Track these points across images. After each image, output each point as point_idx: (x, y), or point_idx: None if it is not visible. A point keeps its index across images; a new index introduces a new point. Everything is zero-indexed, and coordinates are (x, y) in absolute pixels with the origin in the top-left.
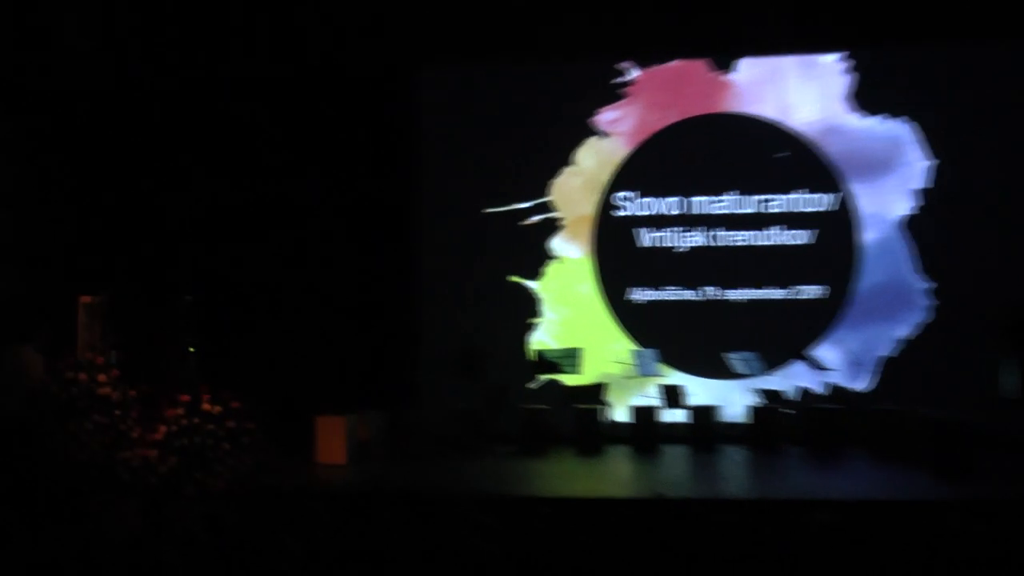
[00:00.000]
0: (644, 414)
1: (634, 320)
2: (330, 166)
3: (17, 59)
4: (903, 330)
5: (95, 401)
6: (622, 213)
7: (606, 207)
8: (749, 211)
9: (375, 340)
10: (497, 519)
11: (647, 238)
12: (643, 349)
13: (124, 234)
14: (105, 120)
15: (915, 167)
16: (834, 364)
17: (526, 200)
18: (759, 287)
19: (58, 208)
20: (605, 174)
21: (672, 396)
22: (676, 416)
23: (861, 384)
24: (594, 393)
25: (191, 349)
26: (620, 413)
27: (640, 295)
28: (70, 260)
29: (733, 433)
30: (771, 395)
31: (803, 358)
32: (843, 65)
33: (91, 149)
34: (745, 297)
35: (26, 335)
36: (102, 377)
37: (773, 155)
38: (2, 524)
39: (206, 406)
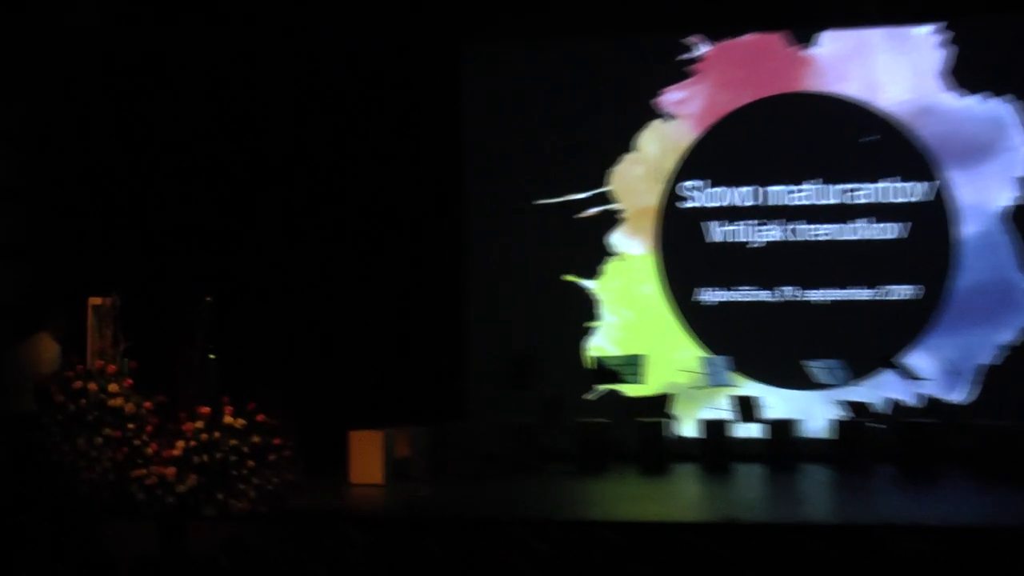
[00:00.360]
0: (714, 429)
1: (703, 324)
2: (367, 158)
3: (26, 42)
4: (1006, 335)
5: (106, 413)
6: (689, 204)
7: (671, 198)
8: (832, 202)
9: (416, 347)
10: (551, 545)
11: (717, 232)
12: (713, 356)
13: (139, 230)
14: (122, 107)
15: (1020, 152)
16: (928, 373)
17: (582, 191)
18: (844, 287)
19: (67, 202)
20: (670, 161)
21: (746, 409)
22: (750, 431)
23: (959, 395)
24: (659, 405)
25: (212, 356)
26: (688, 427)
27: (710, 296)
28: (79, 258)
29: (815, 450)
30: (857, 408)
31: (893, 366)
32: (938, 38)
33: (104, 138)
34: (828, 298)
35: (41, 323)
36: (114, 387)
37: (859, 139)
38: (5, 549)
39: (228, 419)
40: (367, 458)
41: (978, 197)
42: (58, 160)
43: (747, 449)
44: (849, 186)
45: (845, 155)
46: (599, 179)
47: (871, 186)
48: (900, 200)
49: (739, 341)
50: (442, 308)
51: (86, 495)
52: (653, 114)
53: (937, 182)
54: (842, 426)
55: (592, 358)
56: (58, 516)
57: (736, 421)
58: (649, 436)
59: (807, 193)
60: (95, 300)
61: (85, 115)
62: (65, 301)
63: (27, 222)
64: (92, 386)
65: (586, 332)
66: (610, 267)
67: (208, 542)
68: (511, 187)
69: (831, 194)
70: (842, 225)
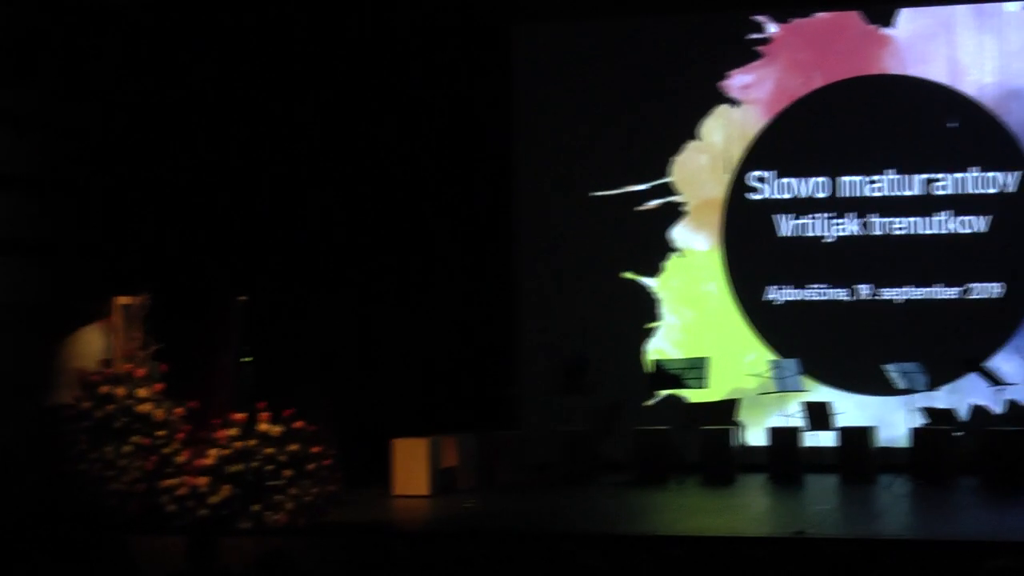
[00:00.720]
0: (784, 437)
1: (772, 324)
2: (412, 151)
3: (40, 19)
4: None
5: (134, 420)
6: (757, 196)
7: (738, 189)
8: (911, 193)
9: (464, 350)
10: (607, 561)
11: (787, 226)
12: (782, 359)
13: (169, 225)
14: (156, 94)
15: None
16: (1015, 378)
17: (642, 181)
18: (923, 285)
19: (94, 195)
20: (737, 150)
21: (818, 416)
22: (822, 439)
23: None
24: (723, 412)
25: (247, 359)
26: (755, 435)
27: (779, 294)
28: (106, 254)
29: (891, 460)
30: (938, 415)
31: (977, 370)
32: None
33: (135, 127)
34: (906, 297)
35: (91, 314)
36: (142, 392)
37: (946, 124)
38: (29, 564)
39: (264, 426)
40: (411, 468)
41: None
42: (85, 151)
43: (819, 459)
44: (929, 176)
45: (925, 143)
46: (660, 169)
47: (953, 176)
48: (985, 191)
49: (810, 343)
50: (491, 308)
51: (113, 506)
52: (718, 99)
53: None
54: (921, 434)
55: (651, 361)
56: (84, 528)
57: (807, 429)
58: (713, 445)
59: (884, 184)
60: (123, 299)
61: (114, 102)
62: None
63: (53, 216)
64: (120, 391)
65: (645, 334)
66: (671, 264)
67: (242, 557)
68: (565, 178)
69: (910, 185)
70: (922, 218)
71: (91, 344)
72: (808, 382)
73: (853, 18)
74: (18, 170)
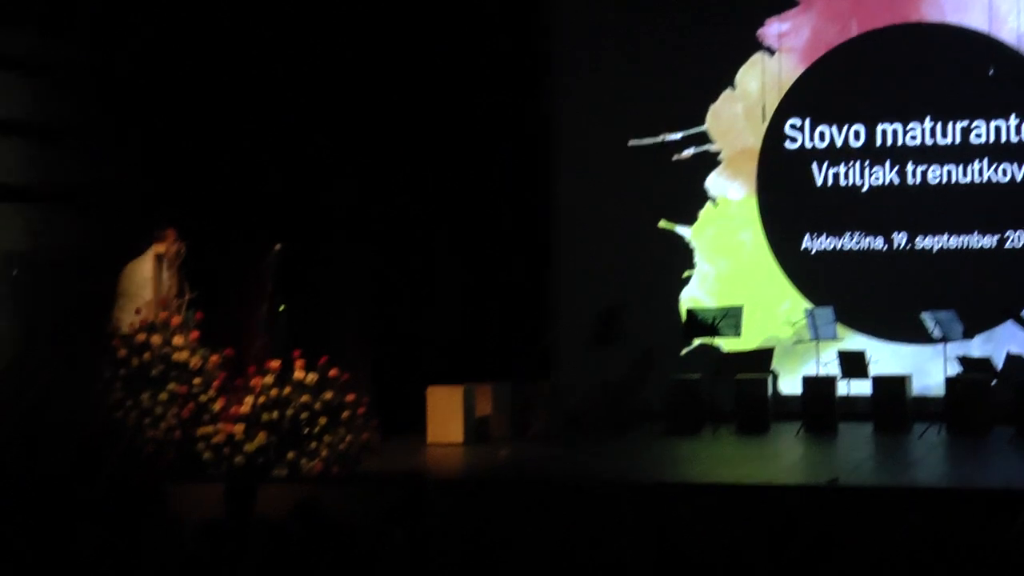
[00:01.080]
0: (818, 386)
1: (807, 273)
2: (447, 97)
3: None
4: None
5: (171, 368)
6: (793, 145)
7: (774, 138)
8: (948, 142)
9: (499, 298)
10: (640, 509)
11: (823, 175)
12: (818, 308)
13: (203, 169)
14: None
15: None
16: None
17: (677, 130)
18: (960, 233)
19: (121, 138)
20: (773, 98)
21: (852, 364)
22: (857, 388)
23: None
24: (758, 360)
25: (282, 307)
26: (789, 384)
27: (815, 243)
28: (138, 201)
29: (926, 409)
30: (974, 364)
31: (1013, 318)
32: None
33: (171, 73)
34: (942, 245)
35: (147, 241)
36: (178, 340)
37: (982, 73)
38: (64, 510)
39: (299, 374)
40: (446, 416)
41: None
42: (118, 96)
43: (853, 408)
44: (967, 124)
45: (962, 91)
46: (696, 118)
47: (990, 124)
48: (1022, 139)
49: (846, 292)
50: (527, 257)
51: (150, 454)
52: (754, 47)
53: None
54: (956, 383)
55: (687, 310)
56: (122, 476)
57: (841, 377)
58: (747, 394)
59: (921, 132)
60: (158, 247)
61: (149, 48)
62: (118, 255)
63: (88, 163)
64: (156, 339)
65: (680, 283)
66: (706, 213)
67: (278, 504)
68: (601, 127)
69: (947, 133)
70: (958, 166)
71: (144, 273)
72: (843, 331)
73: None
74: (56, 117)
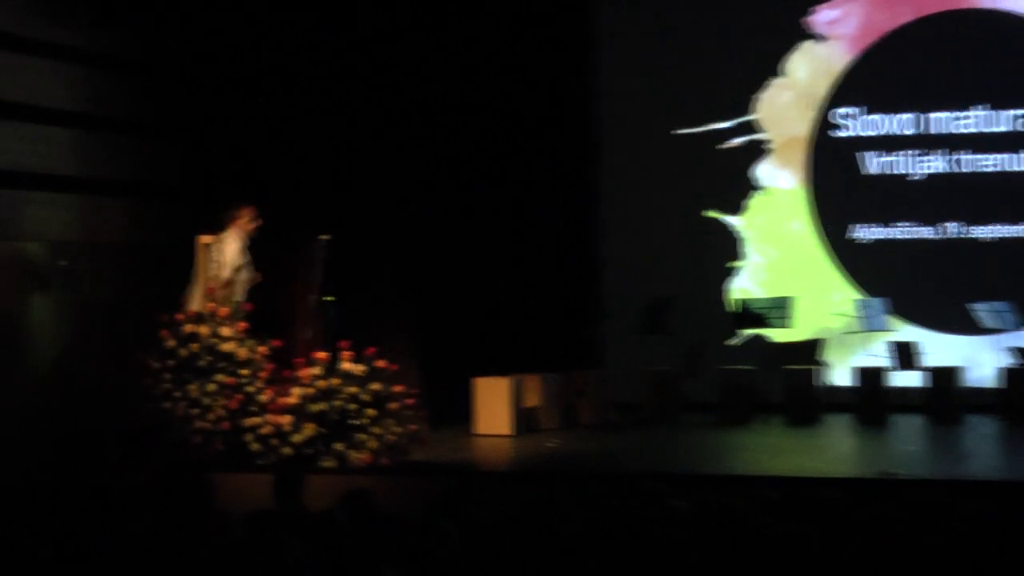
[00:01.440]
0: (870, 377)
1: (858, 263)
2: (490, 84)
3: None
4: None
5: (218, 359)
6: (844, 133)
7: (824, 126)
8: (1002, 129)
9: (547, 288)
10: (691, 501)
11: (874, 163)
12: (869, 298)
13: (249, 161)
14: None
15: None
16: None
17: (726, 119)
18: (1013, 223)
19: (168, 130)
20: (823, 86)
21: (904, 355)
22: (909, 380)
23: None
24: (808, 351)
25: (329, 298)
26: (840, 375)
27: (866, 233)
28: (185, 192)
29: (979, 401)
30: None
31: None
32: None
33: (224, 64)
34: (996, 235)
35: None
36: (226, 331)
37: None
38: (113, 499)
39: (347, 365)
40: (494, 407)
41: None
42: (164, 87)
43: (905, 399)
44: (1019, 112)
45: (1016, 78)
46: (744, 106)
47: None
48: None
49: (897, 282)
50: (575, 246)
51: (198, 444)
52: (803, 35)
53: None
54: (1010, 374)
55: (736, 301)
56: (170, 466)
57: (893, 369)
58: (797, 385)
59: (974, 120)
60: (205, 238)
61: (201, 38)
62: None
63: (136, 154)
64: (203, 330)
65: (729, 273)
66: (756, 202)
67: (326, 496)
68: (647, 116)
69: (1000, 121)
70: (1012, 155)
71: (224, 252)
72: (894, 322)
73: None
74: (105, 108)
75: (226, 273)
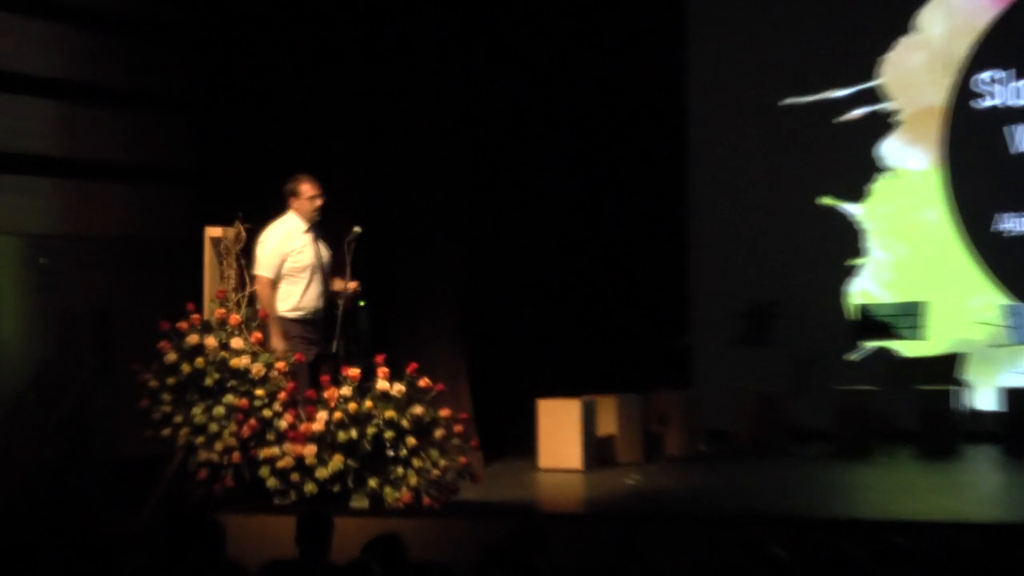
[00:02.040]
0: (1020, 399)
1: (1005, 260)
2: (558, 59)
3: None
4: None
5: (228, 376)
6: (988, 103)
7: (964, 94)
8: None
9: (622, 292)
10: (796, 550)
11: None
12: (1019, 303)
13: (267, 138)
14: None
15: None
16: None
17: (844, 86)
18: None
19: (170, 101)
20: (962, 46)
21: None
22: None
23: None
24: (944, 368)
25: (361, 303)
26: (984, 398)
27: (1015, 224)
28: (191, 176)
29: None
30: None
31: None
32: None
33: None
34: None
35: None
36: (238, 343)
37: None
38: (98, 550)
39: (383, 384)
40: (561, 435)
41: None
42: (174, 52)
43: None
44: None
45: None
46: (866, 71)
47: None
48: None
49: None
50: (657, 244)
51: (204, 480)
52: None
53: None
54: None
55: (855, 307)
56: (170, 506)
57: None
58: (931, 409)
59: None
60: (214, 231)
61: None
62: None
63: (137, 133)
64: (211, 341)
65: (847, 272)
66: (880, 187)
67: (357, 543)
68: (749, 82)
69: None
70: None
71: (273, 245)
72: None
73: None
74: (75, 74)
75: (267, 274)
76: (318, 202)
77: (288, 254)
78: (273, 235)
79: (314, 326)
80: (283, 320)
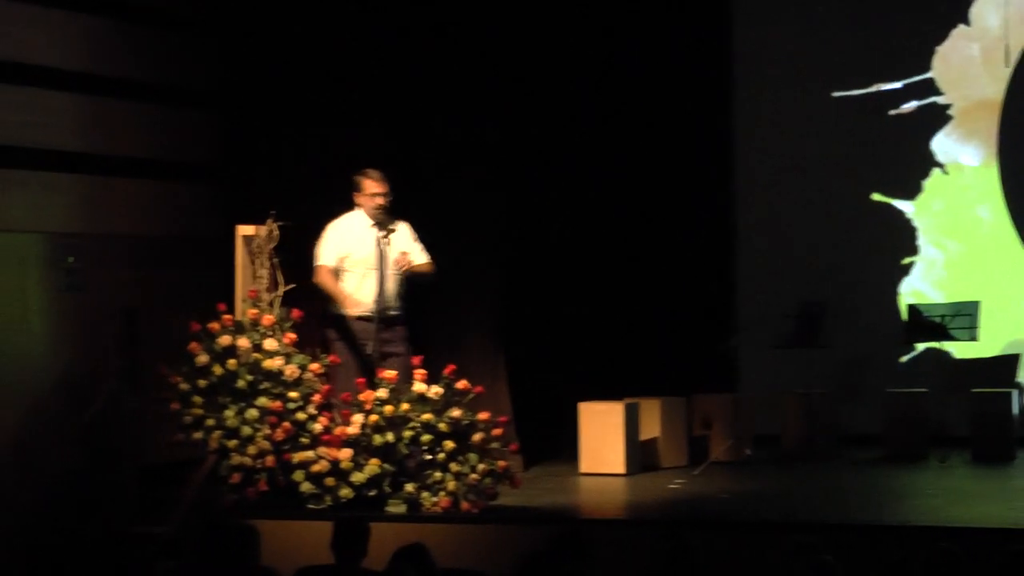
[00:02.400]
0: None
1: None
2: (593, 50)
3: None
4: None
5: (261, 379)
6: None
7: (1020, 87)
8: None
9: (665, 291)
10: (847, 557)
11: None
12: None
13: (302, 133)
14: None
15: None
16: None
17: (895, 79)
18: None
19: (199, 94)
20: (1018, 37)
21: None
22: None
23: None
24: (1001, 370)
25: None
26: None
27: None
28: (222, 172)
29: None
30: None
31: None
32: None
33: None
34: None
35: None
36: (271, 344)
37: None
38: (129, 555)
39: (420, 387)
40: (603, 439)
41: None
42: (203, 42)
43: None
44: None
45: None
46: (919, 62)
47: None
48: None
49: None
50: (702, 240)
51: (237, 485)
52: None
53: None
54: None
55: (907, 307)
56: (202, 512)
57: None
58: (986, 412)
59: None
60: (246, 230)
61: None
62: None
63: (165, 127)
64: (243, 342)
65: (899, 271)
66: (933, 182)
67: (393, 549)
68: (796, 74)
69: None
70: None
71: (331, 245)
72: None
73: None
74: (98, 66)
75: (323, 262)
76: (379, 200)
77: (345, 248)
78: (331, 227)
79: (376, 325)
80: (336, 318)
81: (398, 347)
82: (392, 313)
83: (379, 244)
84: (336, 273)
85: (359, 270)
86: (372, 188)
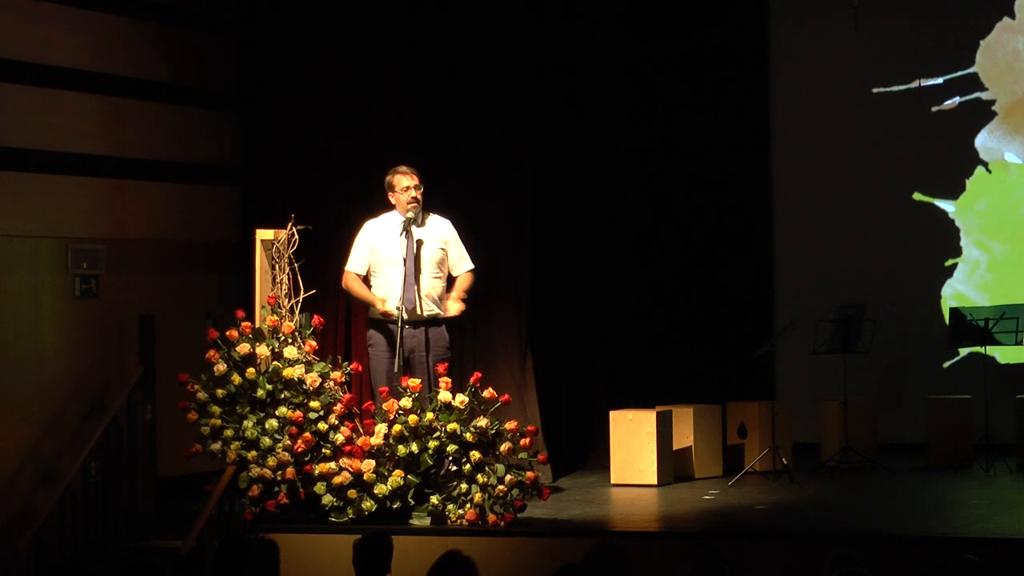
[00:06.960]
0: None
1: None
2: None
3: None
4: None
5: (281, 388)
6: None
7: None
8: None
9: (698, 295)
10: (888, 569)
11: None
12: None
13: (325, 136)
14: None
15: None
16: None
17: (937, 74)
18: None
19: (219, 96)
20: None
21: None
22: None
23: None
24: None
25: None
26: None
27: None
28: (241, 175)
29: None
30: None
31: None
32: None
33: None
34: None
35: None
36: (291, 352)
37: None
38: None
39: (445, 395)
40: (635, 448)
41: None
42: (225, 43)
43: None
44: None
45: None
46: (962, 57)
47: None
48: None
49: None
50: (739, 244)
51: (256, 497)
52: None
53: None
54: None
55: (951, 310)
56: (221, 526)
57: None
58: None
59: None
60: (265, 234)
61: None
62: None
63: (183, 129)
64: (263, 350)
65: (942, 273)
66: (976, 181)
67: (418, 564)
68: (834, 69)
69: None
70: None
71: (364, 246)
72: None
73: None
74: (116, 67)
75: (350, 268)
76: (412, 192)
77: (374, 247)
78: (363, 228)
79: (400, 326)
80: (371, 322)
81: (437, 351)
82: (426, 314)
83: (408, 239)
84: (367, 276)
85: (381, 269)
86: (404, 182)
